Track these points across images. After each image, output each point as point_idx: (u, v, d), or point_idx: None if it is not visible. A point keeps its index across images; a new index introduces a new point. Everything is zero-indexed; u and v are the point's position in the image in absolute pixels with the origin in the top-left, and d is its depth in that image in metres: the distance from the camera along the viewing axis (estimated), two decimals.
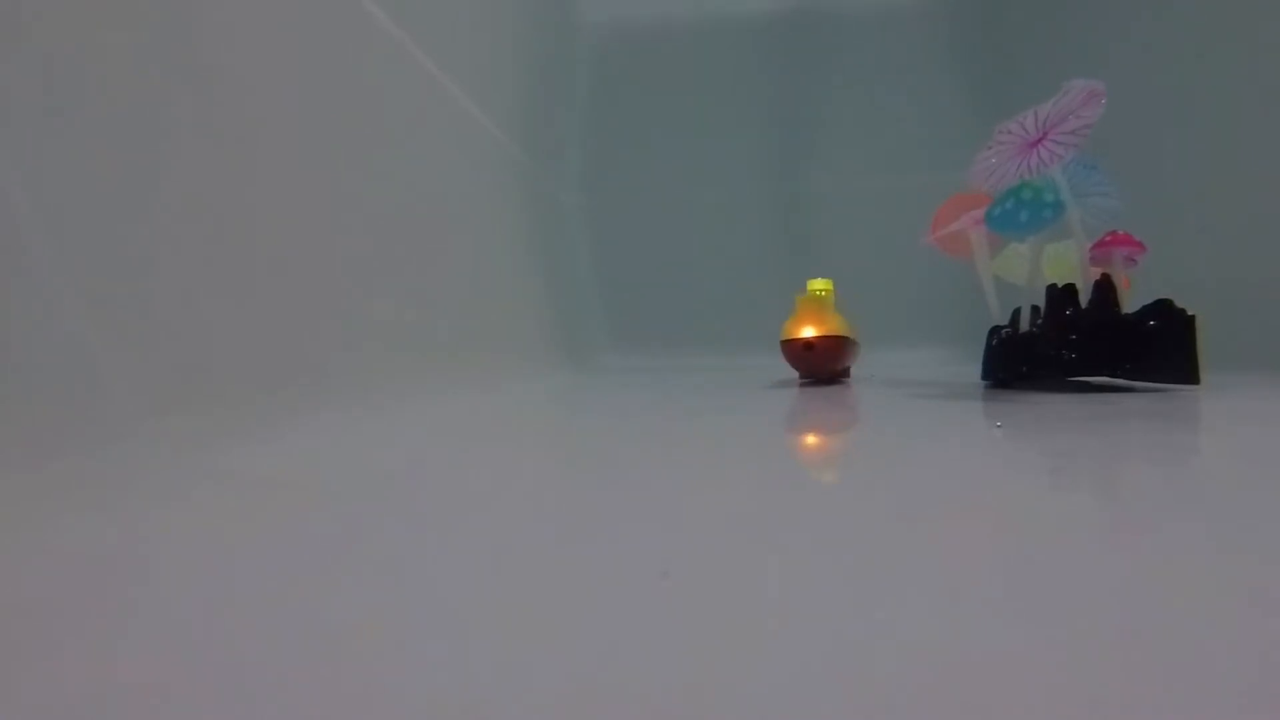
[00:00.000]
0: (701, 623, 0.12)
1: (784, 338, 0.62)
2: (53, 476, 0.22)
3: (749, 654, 0.11)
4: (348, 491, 0.25)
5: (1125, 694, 0.09)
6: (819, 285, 0.67)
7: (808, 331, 0.60)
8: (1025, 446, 0.31)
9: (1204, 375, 0.47)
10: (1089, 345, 0.51)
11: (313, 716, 0.09)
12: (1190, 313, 0.48)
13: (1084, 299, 0.52)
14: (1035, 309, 0.55)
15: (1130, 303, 0.51)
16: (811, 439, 0.34)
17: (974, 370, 0.60)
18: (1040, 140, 0.49)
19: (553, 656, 0.11)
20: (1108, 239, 0.54)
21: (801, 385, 0.63)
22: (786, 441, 0.32)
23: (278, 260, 0.39)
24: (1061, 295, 0.53)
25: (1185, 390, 0.47)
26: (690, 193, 1.22)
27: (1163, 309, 0.49)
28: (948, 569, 0.15)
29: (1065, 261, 0.56)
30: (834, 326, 0.61)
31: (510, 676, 0.10)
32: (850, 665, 0.10)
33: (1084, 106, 0.46)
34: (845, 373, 0.70)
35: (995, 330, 0.58)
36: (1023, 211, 0.51)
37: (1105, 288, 0.51)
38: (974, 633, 0.11)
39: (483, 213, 0.79)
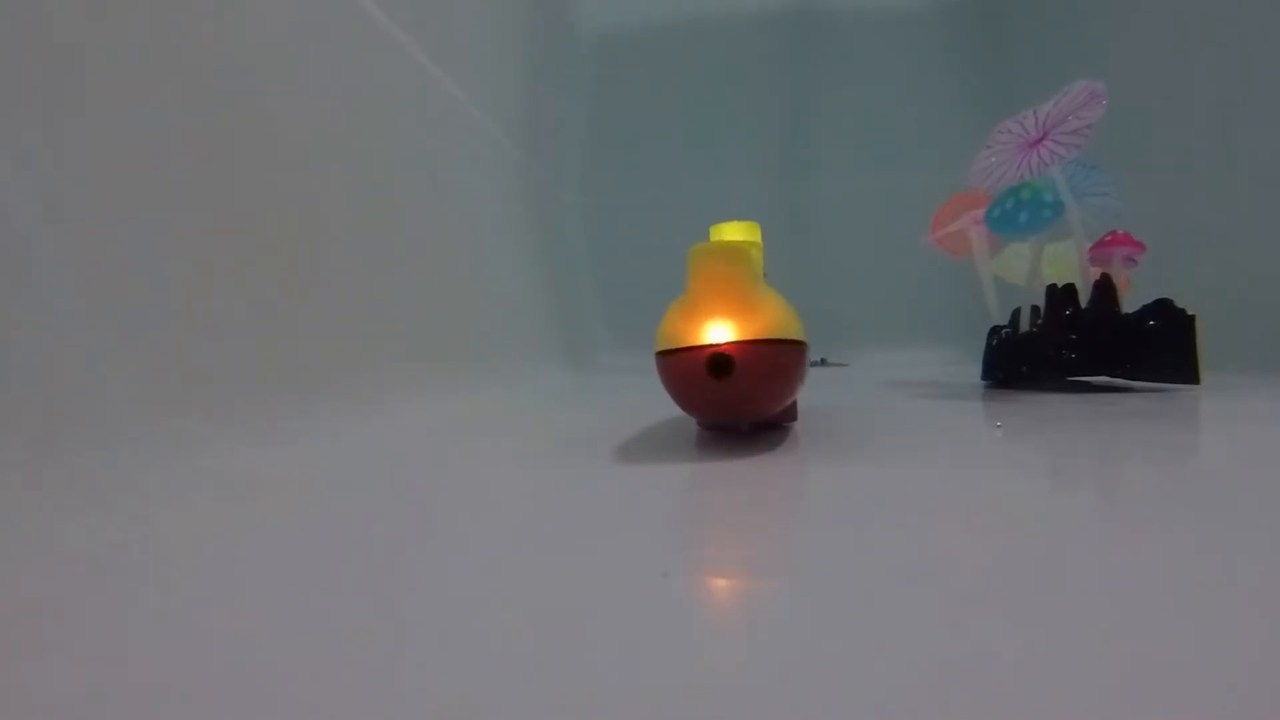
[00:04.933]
0: (702, 623, 0.12)
1: (665, 346, 0.28)
2: (53, 476, 0.22)
3: (748, 653, 0.11)
4: (347, 492, 0.25)
5: (1125, 693, 0.09)
6: (737, 231, 0.33)
7: (718, 332, 0.26)
8: (1025, 446, 0.31)
9: (1204, 375, 0.47)
10: (1089, 345, 0.51)
11: (312, 715, 0.09)
12: (1190, 313, 0.48)
13: (1084, 299, 0.52)
14: (1035, 309, 0.55)
15: (1130, 303, 0.51)
16: (809, 437, 0.34)
17: (974, 370, 0.60)
18: (1041, 140, 0.49)
19: (553, 656, 0.11)
20: (1107, 239, 0.54)
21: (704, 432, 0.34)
22: (782, 440, 0.32)
23: (278, 261, 0.39)
24: (1061, 295, 0.53)
25: (1185, 390, 0.47)
26: (690, 192, 1.22)
27: (1163, 309, 0.49)
28: (948, 569, 0.15)
29: (1065, 261, 0.56)
30: (775, 320, 0.27)
31: (510, 676, 0.10)
32: (849, 664, 0.10)
33: (1084, 107, 0.46)
34: (789, 413, 0.35)
35: (995, 330, 0.58)
36: (1022, 212, 0.51)
37: (1105, 288, 0.51)
38: (973, 632, 0.11)
39: (483, 213, 0.79)
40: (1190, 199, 0.78)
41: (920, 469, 0.24)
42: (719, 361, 0.26)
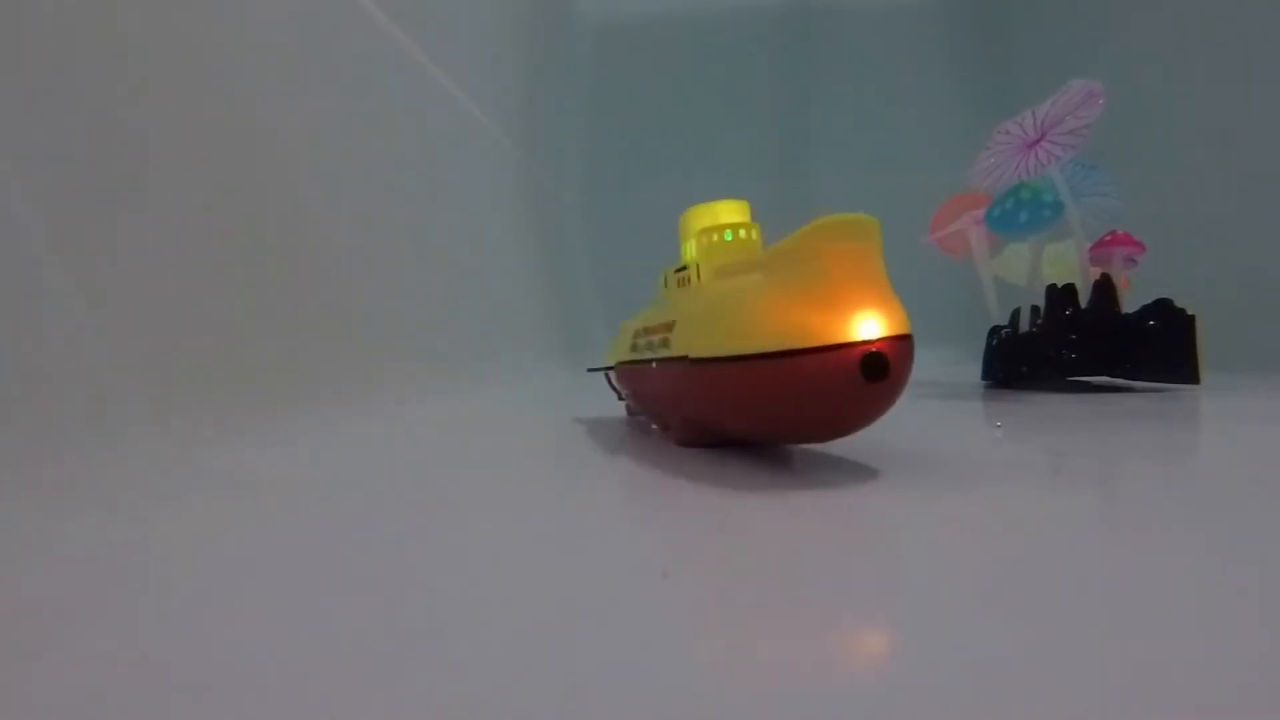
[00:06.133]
0: (702, 621, 0.12)
1: (781, 344, 0.21)
2: (53, 476, 0.22)
3: (747, 651, 0.11)
4: (347, 492, 0.25)
5: (1126, 693, 0.09)
6: (730, 211, 0.31)
7: (869, 326, 0.21)
8: (1025, 446, 0.31)
9: (1204, 375, 0.47)
10: (1089, 345, 0.51)
11: (312, 714, 0.09)
12: (1190, 313, 0.48)
13: (1084, 299, 0.52)
14: (1035, 309, 0.55)
15: (1130, 303, 0.51)
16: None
17: (974, 370, 0.60)
18: (1039, 141, 0.49)
19: (552, 657, 0.11)
20: (1107, 239, 0.54)
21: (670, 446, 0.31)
22: (774, 447, 0.32)
23: (278, 261, 0.39)
24: (1061, 295, 0.53)
25: (1185, 390, 0.47)
26: (690, 192, 1.22)
27: (1163, 309, 0.49)
28: (948, 569, 0.15)
29: (1065, 261, 0.56)
30: (903, 310, 0.22)
31: (509, 676, 0.10)
32: (847, 664, 0.10)
33: (1082, 107, 0.46)
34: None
35: (995, 330, 0.58)
36: (1022, 212, 0.51)
37: (1105, 288, 0.51)
38: (973, 632, 0.11)
39: (483, 212, 0.79)
40: (1190, 199, 0.78)
41: (919, 468, 0.24)
42: (875, 362, 0.20)
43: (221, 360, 0.32)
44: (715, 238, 0.29)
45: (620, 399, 0.44)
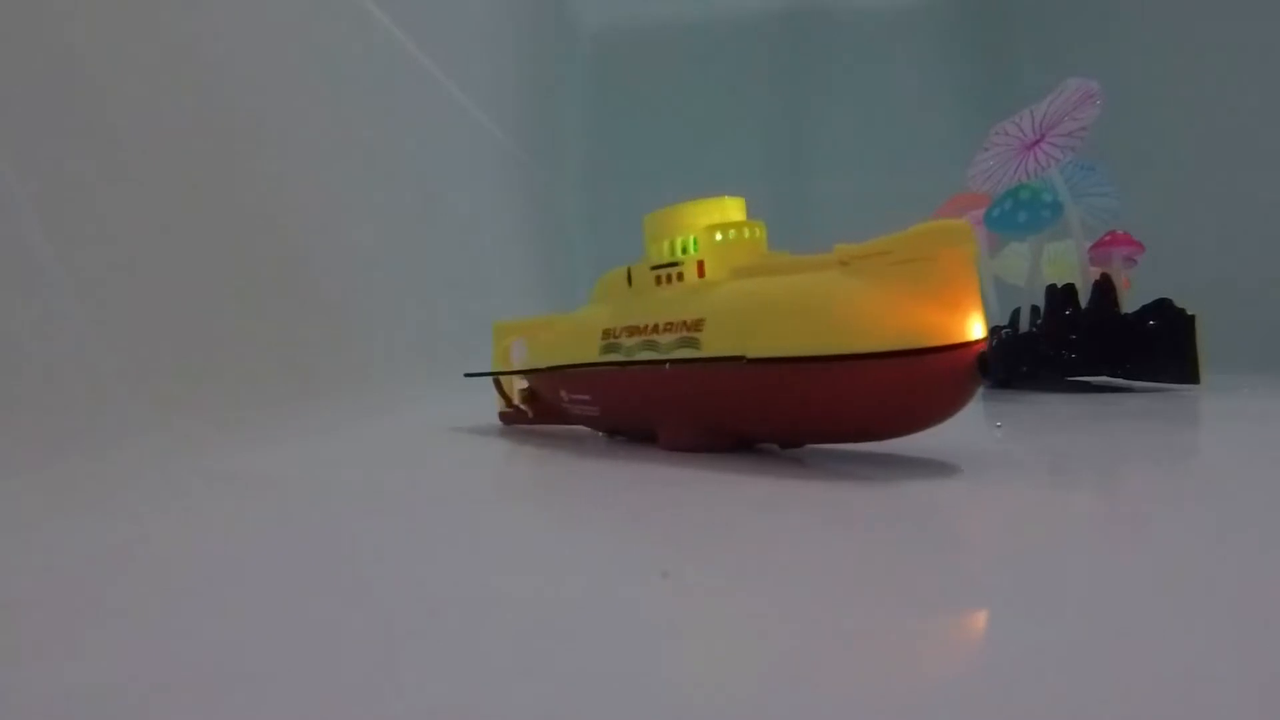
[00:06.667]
0: (703, 616, 0.12)
1: (930, 344, 0.22)
2: (53, 476, 0.22)
3: (746, 652, 0.11)
4: (346, 492, 0.25)
5: (1124, 692, 0.09)
6: (734, 208, 0.30)
7: (978, 325, 0.22)
8: (1025, 446, 0.31)
9: (1204, 375, 0.47)
10: (1089, 345, 0.51)
11: (310, 713, 0.09)
12: (1190, 313, 0.48)
13: (1084, 299, 0.52)
14: (1035, 309, 0.55)
15: (1130, 303, 0.51)
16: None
17: None
18: (1038, 143, 0.49)
19: (549, 656, 0.11)
20: (1107, 239, 0.54)
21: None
22: (773, 450, 0.32)
23: (279, 263, 0.39)
24: (1061, 295, 0.53)
25: (1185, 390, 0.47)
26: (690, 192, 1.22)
27: (1162, 309, 0.49)
28: (947, 568, 0.15)
29: (1065, 261, 0.56)
30: None
31: (504, 676, 0.10)
32: (847, 663, 0.10)
33: (1078, 108, 0.46)
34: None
35: (995, 330, 0.58)
36: (1021, 212, 0.51)
37: (1105, 288, 0.51)
38: (974, 632, 0.11)
39: (484, 214, 0.79)
40: (1190, 199, 0.78)
41: (919, 468, 0.24)
42: (985, 359, 0.22)
43: (221, 360, 0.32)
44: (730, 234, 0.29)
45: (510, 405, 0.40)
